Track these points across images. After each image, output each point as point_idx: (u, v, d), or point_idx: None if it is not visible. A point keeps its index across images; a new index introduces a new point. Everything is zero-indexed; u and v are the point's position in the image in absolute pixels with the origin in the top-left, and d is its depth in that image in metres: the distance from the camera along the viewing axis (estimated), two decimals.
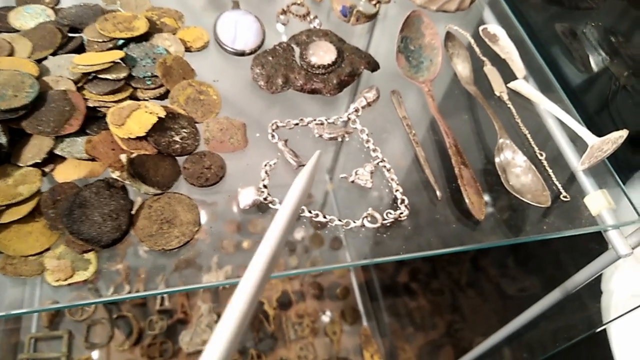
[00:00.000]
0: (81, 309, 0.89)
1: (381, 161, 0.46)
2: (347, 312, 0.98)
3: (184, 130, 0.43)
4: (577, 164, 0.49)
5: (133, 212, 0.39)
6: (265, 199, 0.41)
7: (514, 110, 0.52)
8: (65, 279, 0.36)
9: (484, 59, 0.57)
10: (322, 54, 0.49)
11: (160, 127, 0.42)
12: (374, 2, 0.59)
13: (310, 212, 0.41)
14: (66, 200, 0.38)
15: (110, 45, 0.47)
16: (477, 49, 0.58)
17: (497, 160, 0.47)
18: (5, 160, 0.39)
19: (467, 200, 0.43)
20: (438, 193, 0.44)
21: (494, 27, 0.61)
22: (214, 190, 0.42)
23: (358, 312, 0.99)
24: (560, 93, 0.57)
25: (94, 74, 0.43)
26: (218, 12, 0.53)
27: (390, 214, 0.42)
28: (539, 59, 0.61)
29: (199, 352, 0.89)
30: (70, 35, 0.48)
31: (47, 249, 0.37)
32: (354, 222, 0.41)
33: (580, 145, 0.50)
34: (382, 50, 0.55)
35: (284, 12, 0.56)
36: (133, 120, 0.41)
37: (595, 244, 0.50)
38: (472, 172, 0.45)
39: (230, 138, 0.44)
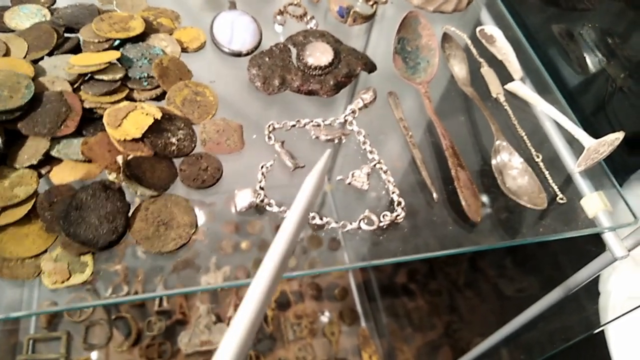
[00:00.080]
0: (79, 310, 0.89)
1: (378, 163, 0.46)
2: (346, 312, 0.98)
3: (181, 131, 0.43)
4: (574, 165, 0.49)
5: (130, 214, 0.39)
6: (261, 201, 0.41)
7: (510, 112, 0.52)
8: (62, 282, 0.36)
9: (481, 60, 0.57)
10: (319, 55, 0.49)
11: (156, 128, 0.42)
12: (371, 3, 0.58)
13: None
14: (62, 202, 0.38)
15: (106, 45, 0.46)
16: (474, 50, 0.58)
17: (493, 162, 0.47)
18: (0, 162, 0.39)
19: (463, 203, 0.43)
20: (435, 195, 0.44)
21: (491, 28, 0.61)
22: (210, 192, 0.42)
23: (356, 312, 0.99)
24: (557, 94, 0.57)
25: (90, 75, 0.43)
26: (215, 13, 0.53)
27: (387, 216, 0.42)
28: (535, 60, 0.61)
29: (197, 353, 0.89)
30: (66, 35, 0.48)
31: (44, 252, 0.37)
32: (351, 224, 0.41)
33: (576, 147, 0.50)
34: (379, 52, 0.55)
35: (280, 12, 0.56)
36: (129, 121, 0.41)
37: (593, 245, 0.50)
38: (468, 174, 0.45)
39: (227, 139, 0.44)
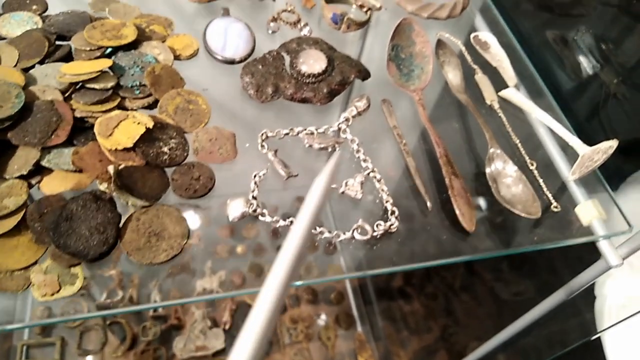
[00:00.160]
0: None
1: (371, 171, 0.45)
2: (342, 317, 0.98)
3: (173, 140, 0.43)
4: (568, 173, 0.49)
5: (120, 225, 0.38)
6: (254, 210, 0.41)
7: (504, 119, 0.52)
8: (52, 294, 0.36)
9: (475, 66, 0.57)
10: (313, 62, 0.49)
11: (148, 137, 0.41)
12: (364, 10, 0.58)
13: None
14: (53, 213, 0.37)
15: (98, 53, 0.46)
16: (468, 57, 0.58)
17: (487, 170, 0.47)
18: None
19: (457, 211, 0.42)
20: (428, 204, 0.44)
21: (485, 34, 0.61)
22: (202, 201, 0.42)
23: (352, 317, 0.99)
24: (551, 100, 0.57)
25: (81, 83, 0.43)
26: (208, 19, 0.53)
27: (381, 225, 0.41)
28: (530, 66, 0.60)
29: (192, 359, 0.88)
30: (58, 43, 0.48)
31: (34, 263, 0.36)
32: (344, 233, 0.41)
33: (571, 154, 0.50)
34: (373, 59, 0.55)
35: (274, 19, 0.56)
36: (121, 130, 0.41)
37: (588, 251, 0.50)
38: (462, 183, 0.45)
39: (220, 148, 0.44)
